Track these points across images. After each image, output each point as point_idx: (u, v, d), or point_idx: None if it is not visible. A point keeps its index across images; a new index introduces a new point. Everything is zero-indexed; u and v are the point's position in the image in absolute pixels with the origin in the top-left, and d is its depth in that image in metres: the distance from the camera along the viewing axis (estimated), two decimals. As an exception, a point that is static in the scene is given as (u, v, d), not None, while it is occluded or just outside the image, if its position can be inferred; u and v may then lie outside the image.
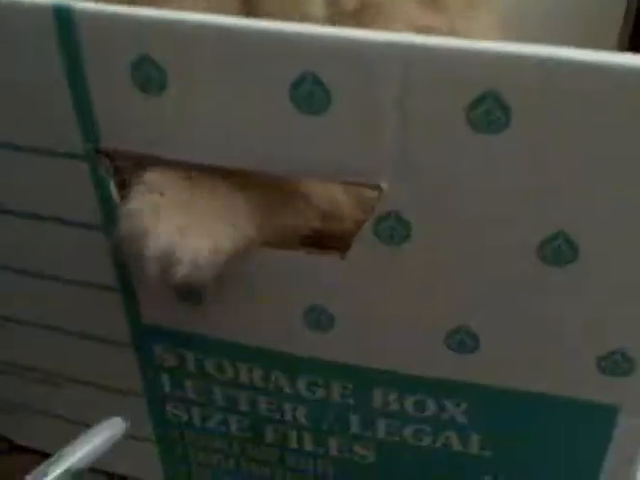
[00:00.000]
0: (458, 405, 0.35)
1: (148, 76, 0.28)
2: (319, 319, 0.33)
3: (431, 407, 0.35)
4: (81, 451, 0.28)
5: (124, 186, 0.32)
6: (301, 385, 0.36)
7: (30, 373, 0.42)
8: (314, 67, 0.26)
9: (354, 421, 0.37)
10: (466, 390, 0.34)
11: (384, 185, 0.28)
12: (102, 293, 0.35)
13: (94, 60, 0.28)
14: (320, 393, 0.36)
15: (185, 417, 0.40)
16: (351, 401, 0.36)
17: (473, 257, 0.29)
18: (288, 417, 0.38)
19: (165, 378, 0.38)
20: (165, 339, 0.36)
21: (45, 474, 0.27)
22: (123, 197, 0.32)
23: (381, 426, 0.37)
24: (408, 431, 0.36)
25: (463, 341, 0.32)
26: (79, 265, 0.35)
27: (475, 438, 0.36)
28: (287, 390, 0.36)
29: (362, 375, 0.35)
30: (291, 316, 0.33)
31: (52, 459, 0.27)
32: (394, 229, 0.29)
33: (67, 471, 0.27)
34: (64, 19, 0.27)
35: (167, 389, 0.39)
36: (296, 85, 0.27)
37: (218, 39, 0.27)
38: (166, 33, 0.27)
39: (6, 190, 0.33)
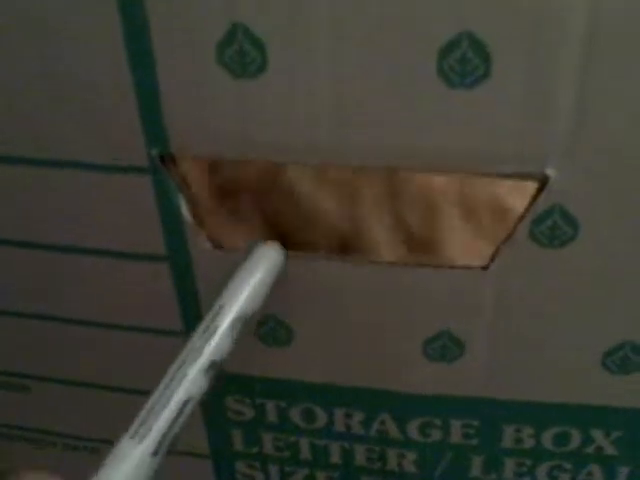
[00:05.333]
0: (608, 435, 0.28)
1: (242, 53, 0.21)
2: (445, 348, 0.27)
3: (575, 439, 0.29)
4: (243, 295, 0.22)
5: (196, 205, 0.25)
6: (412, 428, 0.30)
7: (60, 440, 0.34)
8: (470, 25, 0.20)
9: (476, 464, 0.30)
10: (621, 416, 0.28)
11: (551, 173, 0.22)
12: (163, 340, 0.28)
13: (165, 36, 0.21)
14: (436, 435, 0.30)
15: (260, 477, 0.33)
16: (474, 441, 0.30)
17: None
18: (391, 466, 0.31)
19: (237, 434, 0.31)
20: (239, 389, 0.29)
21: (215, 328, 0.21)
22: (195, 218, 0.25)
23: (509, 467, 0.30)
24: (542, 470, 0.30)
25: (627, 359, 0.26)
26: (134, 306, 0.28)
27: (624, 471, 0.30)
28: (394, 435, 0.30)
29: (492, 410, 0.29)
30: (408, 347, 0.27)
31: (212, 311, 0.22)
32: (557, 228, 0.23)
33: (235, 322, 0.21)
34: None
35: (239, 446, 0.32)
36: (445, 52, 0.20)
37: (336, -3, 0.20)
38: (266, -7, 0.20)
39: (45, 219, 0.26)
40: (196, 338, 0.21)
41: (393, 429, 0.30)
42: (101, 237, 0.26)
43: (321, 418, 0.30)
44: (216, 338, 0.21)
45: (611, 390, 0.27)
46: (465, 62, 0.20)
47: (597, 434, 0.29)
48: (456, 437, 0.29)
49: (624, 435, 0.28)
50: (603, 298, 0.25)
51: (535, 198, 0.23)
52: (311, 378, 0.29)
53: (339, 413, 0.30)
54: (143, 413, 0.19)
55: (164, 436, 0.19)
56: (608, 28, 0.19)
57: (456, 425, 0.29)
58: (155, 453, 0.19)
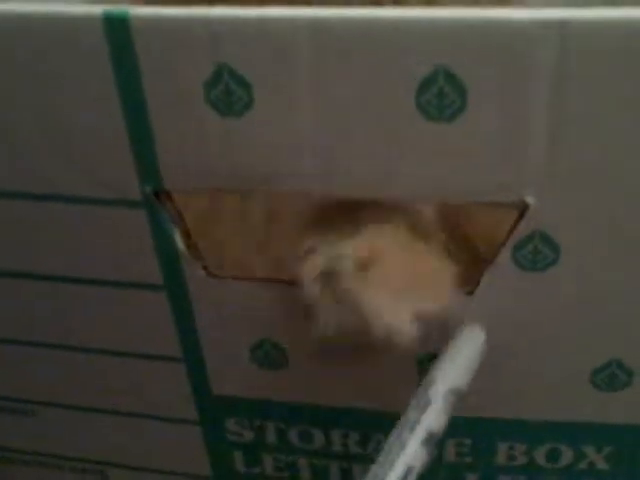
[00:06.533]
0: (600, 450, 0.29)
1: (228, 92, 0.22)
2: (435, 369, 0.27)
3: (567, 456, 0.29)
4: (453, 369, 0.23)
5: (189, 236, 0.26)
6: (408, 447, 0.30)
7: (64, 463, 0.35)
8: (446, 61, 0.21)
9: (471, 481, 0.31)
10: (611, 432, 0.28)
11: (530, 200, 0.23)
12: (162, 364, 0.29)
13: (155, 78, 0.22)
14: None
15: (261, 497, 0.34)
16: (468, 459, 0.30)
17: (633, 281, 0.24)
18: (389, 484, 0.32)
19: (238, 455, 0.32)
20: (240, 411, 0.30)
21: (428, 401, 0.22)
22: (189, 248, 0.26)
23: (504, 483, 0.31)
24: (537, 486, 0.31)
25: (614, 376, 0.27)
26: (134, 333, 0.29)
27: (617, 485, 0.30)
28: (390, 454, 0.30)
29: (483, 429, 0.29)
30: (400, 369, 0.27)
31: (425, 384, 0.23)
32: (538, 252, 0.24)
33: (447, 394, 0.22)
34: (117, 29, 0.21)
35: (240, 468, 0.33)
36: (423, 86, 0.21)
37: (316, 37, 0.21)
38: (249, 35, 0.21)
39: (48, 251, 0.27)
40: (411, 411, 0.22)
41: (389, 448, 0.30)
42: (101, 268, 0.27)
43: (319, 439, 0.31)
44: (430, 410, 0.22)
45: (601, 407, 0.28)
46: (442, 96, 0.21)
47: (589, 450, 0.29)
48: (450, 455, 0.30)
49: (615, 450, 0.29)
50: (588, 318, 0.25)
51: (516, 224, 0.23)
52: (307, 400, 0.29)
53: (336, 434, 0.30)
54: None
55: None
56: (577, 62, 0.20)
57: (450, 443, 0.30)
58: None
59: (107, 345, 0.30)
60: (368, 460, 0.30)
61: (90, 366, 0.30)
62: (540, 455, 0.30)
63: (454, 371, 0.23)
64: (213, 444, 0.32)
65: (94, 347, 0.30)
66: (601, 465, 0.30)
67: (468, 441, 0.30)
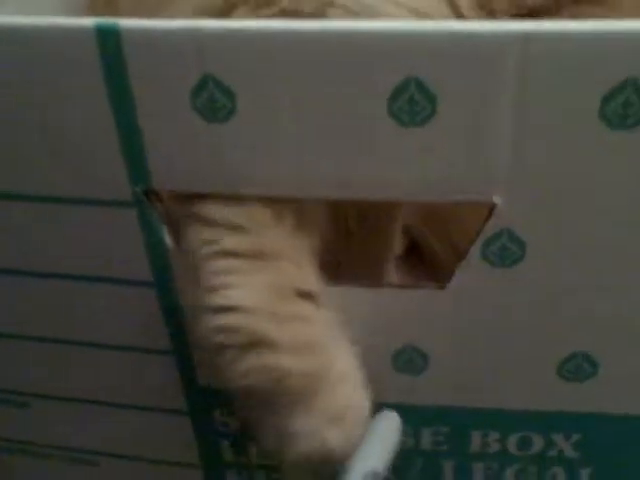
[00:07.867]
0: (568, 438, 0.31)
1: (212, 100, 0.23)
2: (411, 361, 0.29)
3: (537, 443, 0.31)
4: (372, 454, 0.25)
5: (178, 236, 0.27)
6: (386, 435, 0.32)
7: (59, 452, 0.37)
8: (416, 71, 0.22)
9: (447, 469, 0.33)
10: (578, 421, 0.30)
11: (497, 200, 0.24)
12: (152, 356, 0.30)
13: (144, 86, 0.23)
14: (408, 442, 0.32)
15: (248, 484, 0.35)
16: (444, 447, 0.32)
17: (594, 276, 0.26)
18: (369, 472, 0.33)
19: (225, 445, 0.34)
20: (225, 402, 0.32)
21: None
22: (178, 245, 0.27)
23: (478, 470, 0.32)
24: (510, 473, 0.32)
25: (580, 368, 0.28)
26: (126, 327, 0.30)
27: (585, 472, 0.32)
28: (370, 442, 0.32)
29: (458, 417, 0.31)
30: (378, 360, 0.29)
31: (345, 469, 0.24)
32: (506, 249, 0.25)
33: (367, 477, 0.24)
34: (108, 41, 0.23)
35: (228, 457, 0.34)
36: (395, 95, 0.22)
37: (294, 49, 0.22)
38: (233, 47, 0.22)
39: (42, 249, 0.28)
40: None
41: (368, 437, 0.32)
42: (93, 265, 0.28)
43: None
44: None
45: (568, 397, 0.29)
46: (413, 103, 0.23)
47: (557, 438, 0.31)
48: (426, 443, 0.32)
49: (583, 438, 0.31)
50: (554, 311, 0.27)
51: (485, 223, 0.25)
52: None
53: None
54: None
55: None
56: (539, 71, 0.22)
57: (426, 432, 0.31)
58: None
59: (99, 339, 0.31)
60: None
61: (82, 360, 0.32)
62: (512, 443, 0.31)
63: (372, 455, 0.25)
64: (202, 434, 0.33)
65: (86, 341, 0.31)
66: (569, 453, 0.31)
67: (444, 429, 0.31)
